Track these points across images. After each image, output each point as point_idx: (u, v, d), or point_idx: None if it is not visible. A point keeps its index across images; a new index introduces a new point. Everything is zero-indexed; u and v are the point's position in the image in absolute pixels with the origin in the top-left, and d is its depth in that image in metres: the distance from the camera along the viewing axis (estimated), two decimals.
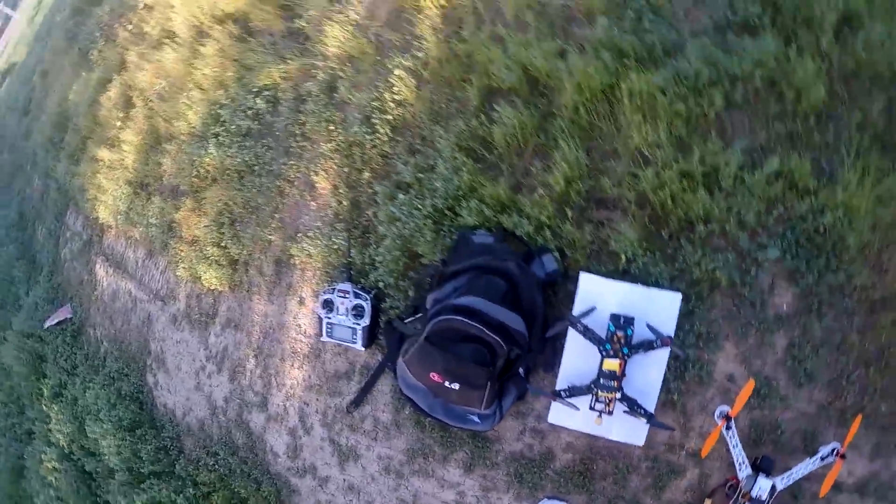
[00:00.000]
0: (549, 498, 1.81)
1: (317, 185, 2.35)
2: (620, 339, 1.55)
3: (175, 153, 2.94)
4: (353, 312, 2.05)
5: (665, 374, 1.63)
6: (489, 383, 1.61)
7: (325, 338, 2.15)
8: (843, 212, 1.58)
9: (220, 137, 2.69)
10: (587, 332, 1.58)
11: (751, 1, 1.75)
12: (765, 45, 1.70)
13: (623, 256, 1.69)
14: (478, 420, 1.69)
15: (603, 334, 1.58)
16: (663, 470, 1.72)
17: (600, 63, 1.76)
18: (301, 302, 2.36)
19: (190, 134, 2.87)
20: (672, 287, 1.64)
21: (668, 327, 1.61)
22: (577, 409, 1.61)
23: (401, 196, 2.03)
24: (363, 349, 2.11)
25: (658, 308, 1.58)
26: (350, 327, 2.06)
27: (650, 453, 1.72)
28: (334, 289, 2.11)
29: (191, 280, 2.80)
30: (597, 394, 1.58)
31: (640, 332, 1.60)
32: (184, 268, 2.79)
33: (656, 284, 1.64)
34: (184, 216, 2.82)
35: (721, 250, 1.66)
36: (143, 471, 2.73)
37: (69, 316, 3.59)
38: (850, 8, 1.65)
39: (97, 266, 3.43)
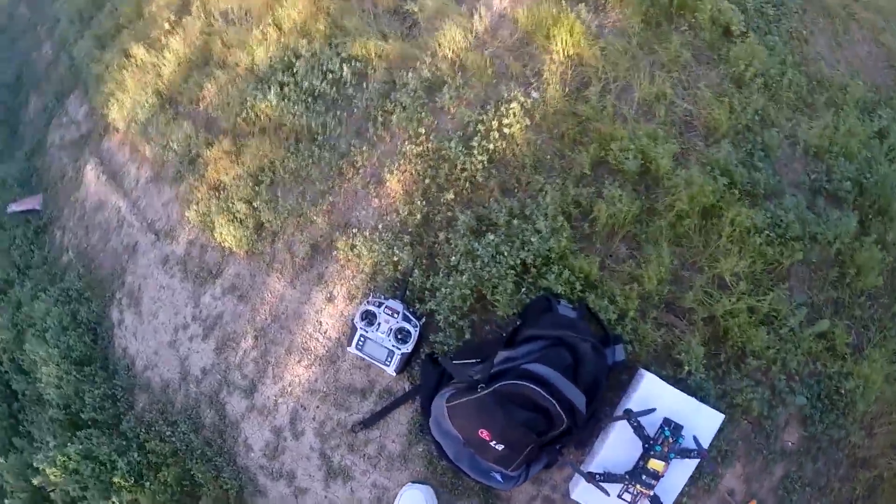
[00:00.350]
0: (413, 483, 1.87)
1: (387, 183, 2.16)
2: (669, 443, 1.63)
3: (224, 83, 2.61)
4: (397, 335, 1.91)
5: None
6: (530, 451, 1.63)
7: (352, 349, 1.99)
8: (863, 381, 1.88)
9: (285, 89, 2.42)
10: (639, 429, 1.63)
11: (845, 176, 2.05)
12: (847, 221, 1.99)
13: (686, 367, 1.81)
14: (500, 479, 1.71)
15: (652, 433, 1.65)
16: None
17: (715, 183, 1.89)
18: (330, 299, 2.17)
19: (250, 71, 2.56)
20: (716, 405, 1.77)
21: (706, 441, 1.71)
22: (608, 494, 1.64)
23: (490, 236, 1.91)
24: (393, 374, 1.96)
25: (701, 422, 1.69)
26: (388, 349, 1.91)
27: None
28: (381, 303, 1.95)
29: (200, 227, 2.50)
30: (634, 486, 1.63)
31: (686, 441, 1.69)
32: (196, 211, 2.49)
33: (703, 399, 1.75)
34: (215, 155, 2.51)
35: (760, 384, 1.88)
36: (82, 416, 2.41)
37: (37, 208, 3.12)
38: None
39: (88, 167, 3.00)
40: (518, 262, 1.85)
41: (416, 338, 1.90)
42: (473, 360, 1.79)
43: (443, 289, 1.93)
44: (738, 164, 1.96)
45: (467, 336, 1.93)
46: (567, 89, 2.09)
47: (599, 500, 1.67)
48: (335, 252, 2.17)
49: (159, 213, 2.69)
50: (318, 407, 2.12)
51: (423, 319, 1.95)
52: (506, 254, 1.85)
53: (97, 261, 2.85)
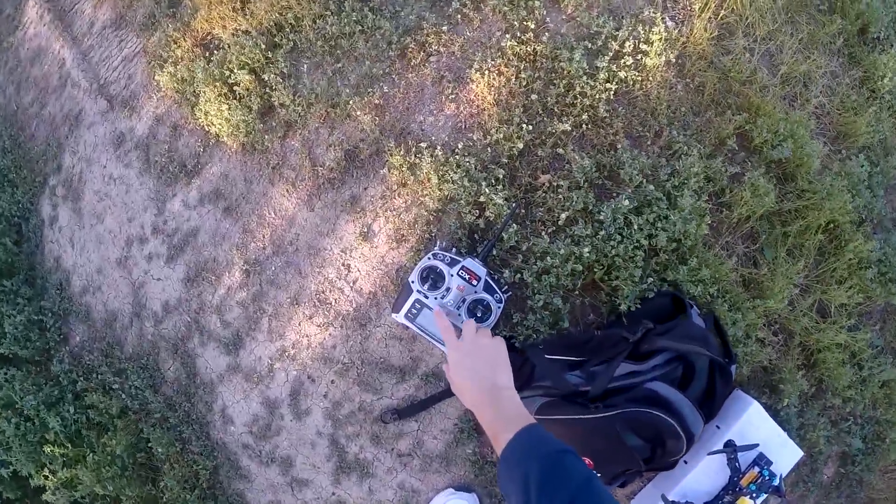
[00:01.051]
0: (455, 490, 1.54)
1: (471, 85, 1.46)
2: (762, 480, 1.42)
3: None
4: (471, 309, 1.30)
5: None
6: (622, 473, 1.35)
7: (399, 317, 1.35)
8: None
9: None
10: (733, 462, 1.40)
11: None
12: None
13: (786, 399, 1.60)
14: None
15: (743, 466, 1.43)
16: None
17: (854, 201, 1.65)
18: (366, 236, 1.52)
19: None
20: (793, 439, 1.55)
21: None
22: None
23: (623, 200, 1.34)
24: None
25: (783, 456, 1.52)
26: (453, 325, 1.32)
27: None
28: (456, 261, 1.32)
29: (176, 99, 1.74)
30: None
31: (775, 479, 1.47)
32: (172, 74, 1.71)
33: (787, 432, 1.54)
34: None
35: (834, 423, 1.73)
36: None
37: None
38: None
39: (31, 2, 2.07)
40: (647, 241, 1.36)
41: (496, 316, 1.32)
42: (572, 359, 1.36)
43: (548, 258, 1.35)
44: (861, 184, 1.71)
45: (566, 325, 1.40)
46: (710, 31, 1.50)
47: None
48: (384, 169, 1.50)
49: (118, 72, 1.87)
50: (333, 382, 1.54)
51: (510, 293, 1.37)
52: (637, 227, 1.35)
53: (28, 130, 2.03)
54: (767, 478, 1.44)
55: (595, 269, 1.38)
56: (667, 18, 1.53)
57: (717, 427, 1.49)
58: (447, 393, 1.47)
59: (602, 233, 1.34)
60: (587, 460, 1.26)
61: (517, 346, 1.41)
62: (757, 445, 1.46)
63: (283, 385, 1.58)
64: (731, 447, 1.42)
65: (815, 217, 1.59)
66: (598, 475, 1.21)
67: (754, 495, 1.44)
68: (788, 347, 1.64)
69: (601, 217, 1.35)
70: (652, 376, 1.31)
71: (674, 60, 1.49)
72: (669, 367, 1.33)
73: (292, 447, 1.58)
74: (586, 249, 1.32)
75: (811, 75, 1.69)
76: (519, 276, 1.38)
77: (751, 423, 1.48)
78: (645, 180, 1.40)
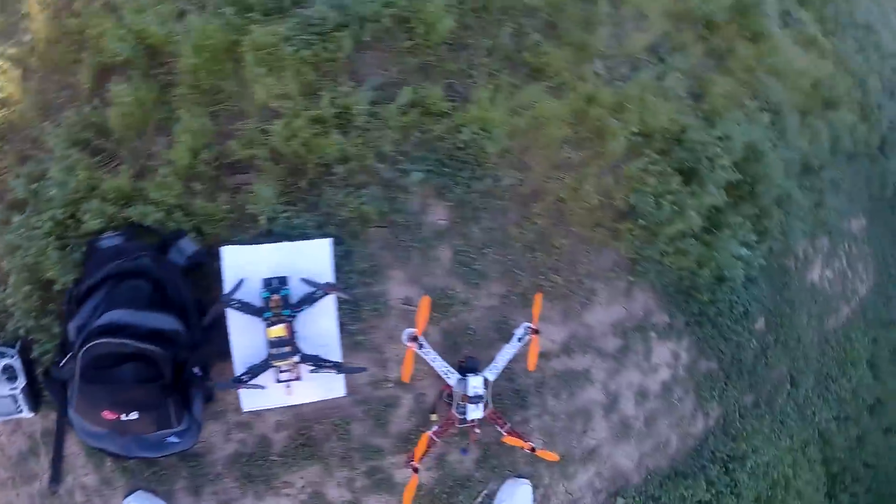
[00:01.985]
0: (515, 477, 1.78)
1: None
2: (278, 302, 1.49)
3: None
4: (4, 376, 1.58)
5: (340, 321, 1.60)
6: (167, 398, 1.42)
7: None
8: (478, 126, 1.74)
9: None
10: (244, 307, 1.48)
11: None
12: None
13: (263, 217, 1.60)
14: (177, 440, 1.50)
15: (259, 303, 1.50)
16: (379, 407, 1.71)
17: (221, 20, 1.64)
18: None
19: None
20: (321, 234, 1.61)
21: (326, 275, 1.58)
22: (264, 387, 1.51)
23: (16, 218, 1.60)
24: (33, 415, 1.64)
25: (311, 259, 1.56)
26: (7, 396, 1.59)
27: (359, 398, 1.69)
28: None
29: None
30: (279, 364, 1.50)
31: (298, 289, 1.54)
32: None
33: (304, 237, 1.60)
34: None
35: (364, 185, 1.68)
36: None
37: None
38: None
39: None
40: (51, 224, 1.56)
41: (21, 367, 1.58)
42: (71, 353, 1.47)
43: (9, 301, 1.63)
44: None
45: (57, 330, 1.59)
46: (53, 11, 1.72)
47: (265, 396, 1.54)
48: None
49: None
50: (17, 496, 1.67)
51: (18, 344, 1.62)
52: (38, 224, 1.57)
53: None
54: (285, 293, 1.49)
55: (40, 276, 1.57)
56: (10, 42, 1.76)
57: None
58: (59, 440, 1.59)
59: (20, 251, 1.59)
60: (107, 412, 1.33)
61: (52, 373, 1.51)
62: (242, 281, 1.48)
63: None
64: (224, 299, 1.46)
65: (189, 61, 1.64)
66: (150, 414, 1.36)
67: (287, 317, 1.47)
68: (260, 170, 1.66)
69: (17, 242, 1.58)
70: (97, 315, 1.40)
71: (33, 63, 1.71)
72: (114, 293, 1.44)
73: None
74: (14, 277, 1.59)
75: None
76: (11, 327, 1.62)
77: (235, 264, 1.51)
78: (36, 184, 1.62)
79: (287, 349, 1.46)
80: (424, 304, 1.59)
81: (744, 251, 2.19)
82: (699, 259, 2.09)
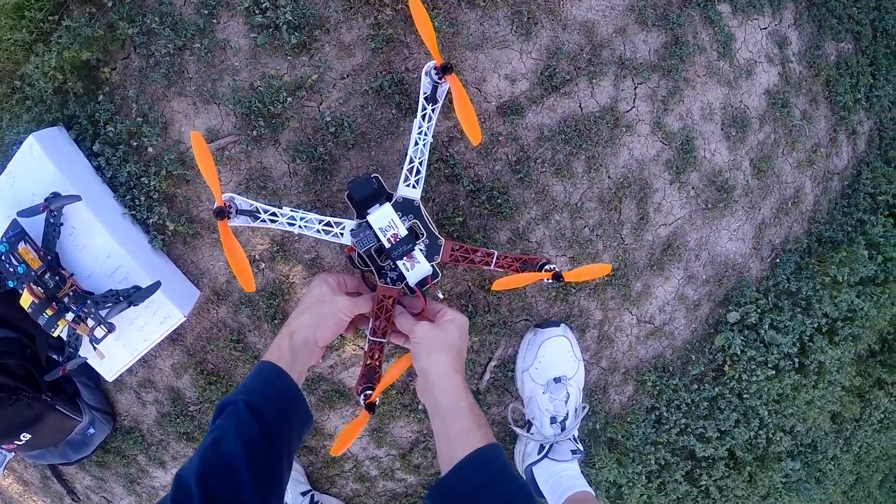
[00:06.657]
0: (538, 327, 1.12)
1: None
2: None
3: None
4: None
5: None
6: (42, 401, 1.20)
7: None
8: None
9: None
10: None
11: None
12: None
13: None
14: (94, 430, 1.34)
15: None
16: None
17: None
18: None
19: None
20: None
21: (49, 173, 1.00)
22: (85, 358, 1.13)
23: None
24: None
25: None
26: None
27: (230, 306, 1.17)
28: None
29: None
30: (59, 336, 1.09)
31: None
32: None
33: None
34: None
35: None
36: None
37: None
38: None
39: None
40: None
41: None
42: None
43: None
44: None
45: None
46: None
47: (113, 358, 1.16)
48: None
49: None
50: None
51: None
52: None
53: None
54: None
55: None
56: None
57: None
58: None
59: None
60: None
61: None
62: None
63: None
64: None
65: None
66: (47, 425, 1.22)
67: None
68: None
69: None
70: None
71: None
72: None
73: None
74: None
75: None
76: None
77: None
78: None
79: (71, 305, 1.02)
80: (196, 141, 0.79)
81: None
82: None
